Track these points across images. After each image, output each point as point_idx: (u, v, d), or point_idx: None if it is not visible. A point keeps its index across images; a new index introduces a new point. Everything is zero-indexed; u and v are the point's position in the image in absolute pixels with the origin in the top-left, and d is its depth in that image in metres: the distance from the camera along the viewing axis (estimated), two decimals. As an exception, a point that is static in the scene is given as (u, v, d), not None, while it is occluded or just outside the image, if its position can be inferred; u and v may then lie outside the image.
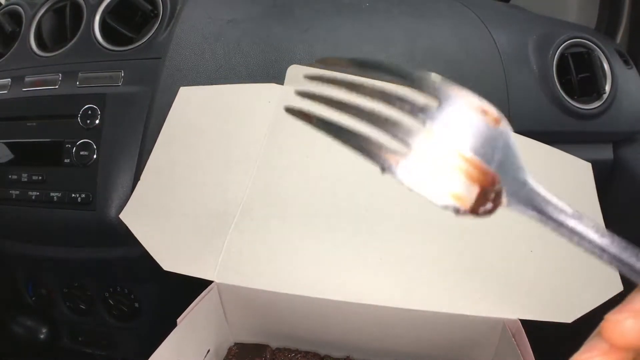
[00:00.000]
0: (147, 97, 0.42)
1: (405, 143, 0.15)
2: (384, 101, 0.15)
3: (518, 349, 0.30)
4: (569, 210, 0.15)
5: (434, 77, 0.15)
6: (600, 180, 0.44)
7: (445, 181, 0.15)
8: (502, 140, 0.15)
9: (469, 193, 0.15)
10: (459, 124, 0.15)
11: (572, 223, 0.15)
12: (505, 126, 0.15)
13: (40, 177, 0.42)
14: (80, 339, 0.56)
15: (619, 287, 0.35)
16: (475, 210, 0.15)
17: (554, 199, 0.15)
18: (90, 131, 0.42)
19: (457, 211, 0.15)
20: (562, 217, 0.15)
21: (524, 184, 0.15)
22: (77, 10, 0.47)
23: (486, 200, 0.15)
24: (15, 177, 0.43)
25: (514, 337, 0.31)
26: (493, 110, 0.15)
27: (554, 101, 0.47)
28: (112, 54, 0.44)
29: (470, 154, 0.15)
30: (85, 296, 0.52)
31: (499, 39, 0.48)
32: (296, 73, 0.43)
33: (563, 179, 0.42)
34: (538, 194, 0.15)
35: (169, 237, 0.36)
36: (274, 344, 0.39)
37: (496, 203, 0.15)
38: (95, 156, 0.41)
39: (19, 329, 0.54)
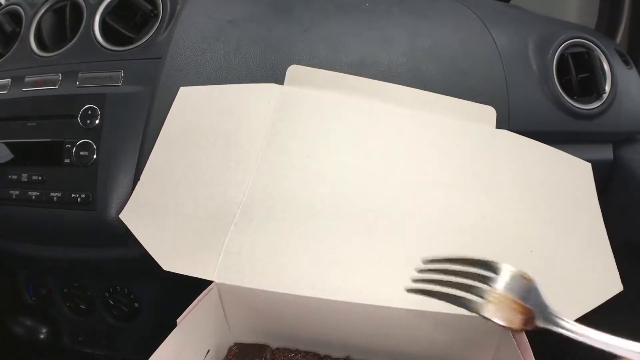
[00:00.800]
0: (147, 97, 0.42)
1: (483, 297, 0.29)
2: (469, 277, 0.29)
3: (518, 349, 0.30)
4: (578, 327, 0.26)
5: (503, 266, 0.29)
6: (600, 180, 0.44)
7: (505, 314, 0.28)
8: (533, 289, 0.28)
9: (518, 320, 0.28)
10: (510, 286, 0.28)
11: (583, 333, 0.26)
12: (535, 282, 0.28)
13: (40, 177, 0.42)
14: (80, 339, 0.56)
15: (618, 287, 0.35)
16: (521, 328, 0.28)
17: (566, 320, 0.27)
18: (90, 131, 0.42)
19: (510, 329, 0.28)
20: (574, 329, 0.26)
21: (548, 311, 0.27)
22: (77, 10, 0.47)
23: (527, 323, 0.28)
24: (15, 177, 0.43)
25: (514, 337, 0.31)
26: (528, 275, 0.28)
27: (554, 101, 0.47)
28: (112, 54, 0.44)
29: (518, 300, 0.28)
30: (85, 296, 0.52)
31: (499, 38, 0.48)
32: (296, 73, 0.43)
33: (563, 179, 0.42)
34: (556, 316, 0.27)
35: (169, 237, 0.36)
36: (274, 344, 0.39)
37: (532, 324, 0.27)
38: (95, 156, 0.41)
39: (19, 329, 0.54)
